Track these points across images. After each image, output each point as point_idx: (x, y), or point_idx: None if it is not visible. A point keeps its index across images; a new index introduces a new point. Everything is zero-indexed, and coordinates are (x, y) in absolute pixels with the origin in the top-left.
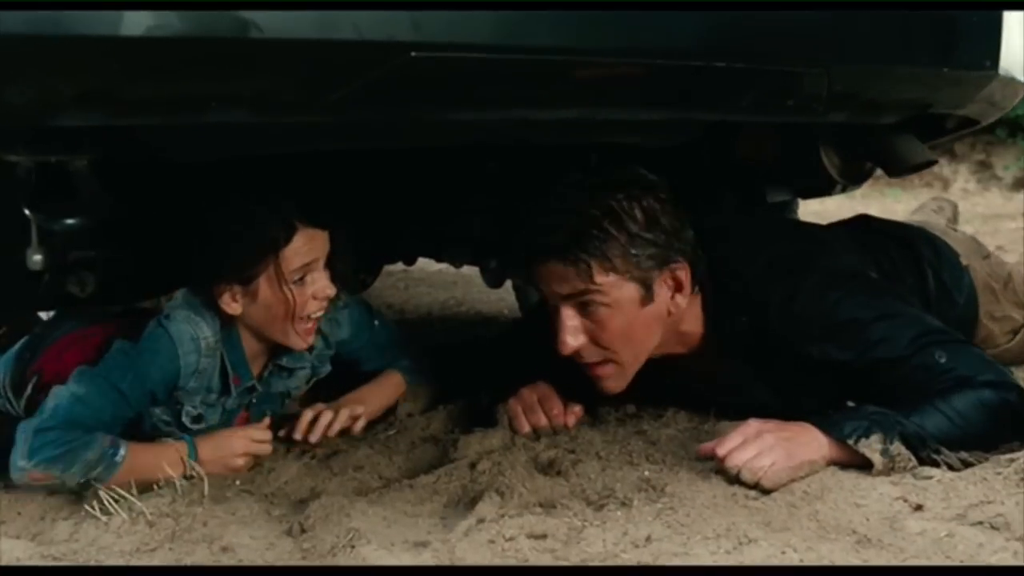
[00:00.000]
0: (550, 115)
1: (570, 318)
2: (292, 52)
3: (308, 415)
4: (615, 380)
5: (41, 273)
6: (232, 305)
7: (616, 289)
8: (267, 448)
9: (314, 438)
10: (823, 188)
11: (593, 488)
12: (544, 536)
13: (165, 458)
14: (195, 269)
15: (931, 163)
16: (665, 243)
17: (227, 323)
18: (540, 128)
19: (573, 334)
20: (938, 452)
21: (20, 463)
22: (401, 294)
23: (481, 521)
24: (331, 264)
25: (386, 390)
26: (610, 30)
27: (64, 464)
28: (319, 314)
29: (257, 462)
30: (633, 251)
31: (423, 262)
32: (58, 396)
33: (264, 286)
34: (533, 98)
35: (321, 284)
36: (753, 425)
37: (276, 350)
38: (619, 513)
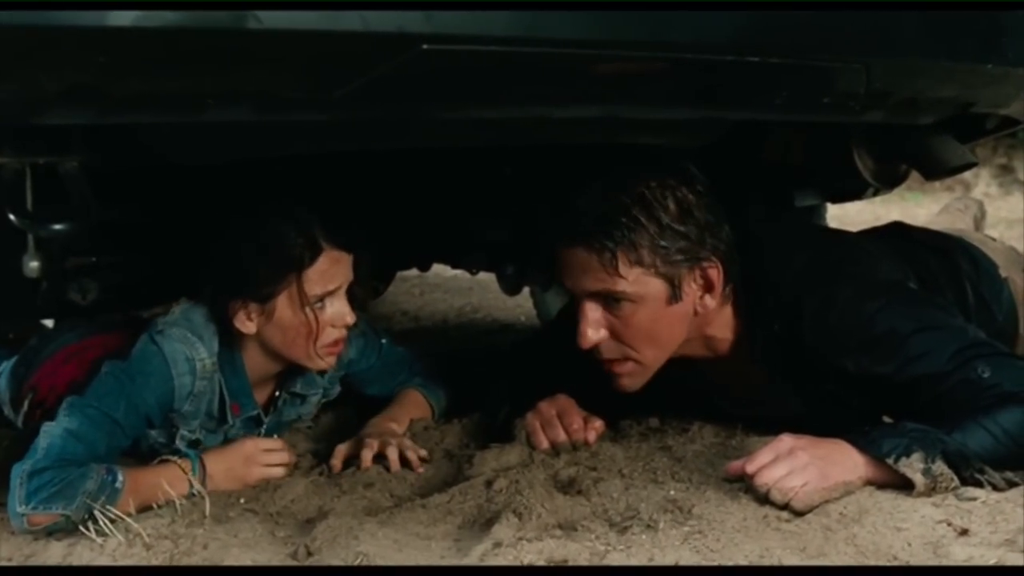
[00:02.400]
0: (569, 113)
1: (592, 311)
2: (294, 45)
3: (370, 454)
4: (633, 378)
5: (39, 280)
6: (247, 324)
7: (641, 284)
8: (284, 457)
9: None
10: (855, 191)
11: (616, 509)
12: (565, 562)
13: (166, 477)
14: (207, 281)
15: (971, 165)
16: (697, 238)
17: (231, 344)
18: (558, 128)
19: (594, 327)
20: (982, 472)
21: (19, 509)
22: (416, 300)
23: (498, 545)
24: (352, 291)
25: (411, 410)
26: (633, 22)
27: (64, 500)
28: (339, 336)
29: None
30: (662, 243)
31: (439, 268)
32: (50, 434)
33: (282, 306)
34: (552, 95)
35: (342, 311)
36: (786, 441)
37: (287, 377)
38: (644, 536)
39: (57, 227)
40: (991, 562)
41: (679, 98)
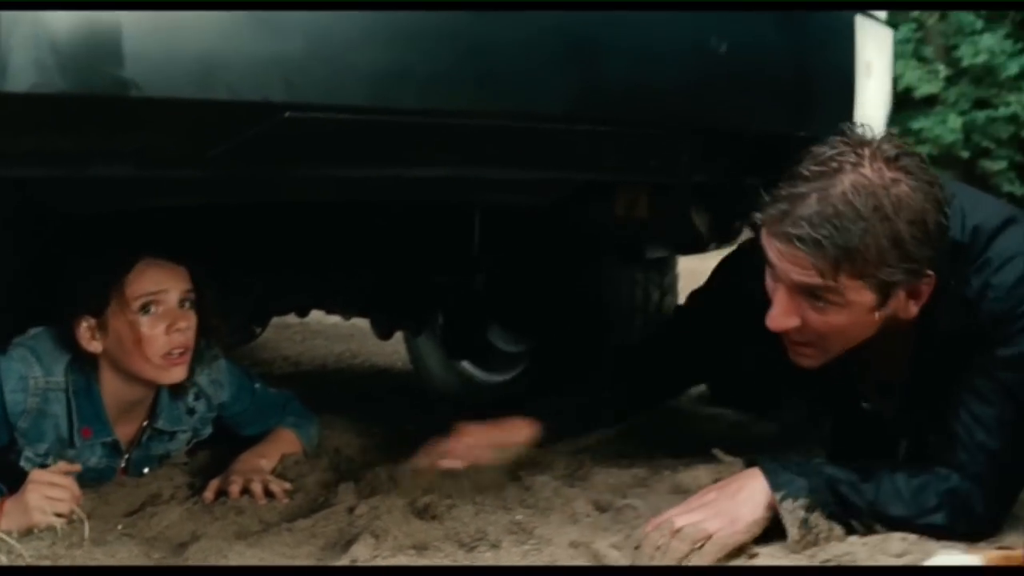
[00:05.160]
0: (420, 173)
1: (791, 299)
2: (172, 111)
3: (237, 488)
4: (811, 360)
5: None
6: (92, 343)
7: (854, 292)
8: (64, 507)
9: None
10: (697, 245)
11: (467, 532)
12: None
13: None
14: (52, 306)
15: None
16: (924, 256)
17: (85, 368)
18: (412, 186)
19: (787, 315)
20: (871, 530)
21: None
22: (297, 346)
23: (354, 562)
24: (201, 311)
25: (282, 446)
26: (476, 93)
27: None
28: (175, 347)
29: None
30: (889, 262)
31: (320, 315)
32: None
33: (114, 318)
34: (403, 157)
35: (170, 318)
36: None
37: (152, 411)
38: (488, 555)
39: None
40: None
41: (517, 161)
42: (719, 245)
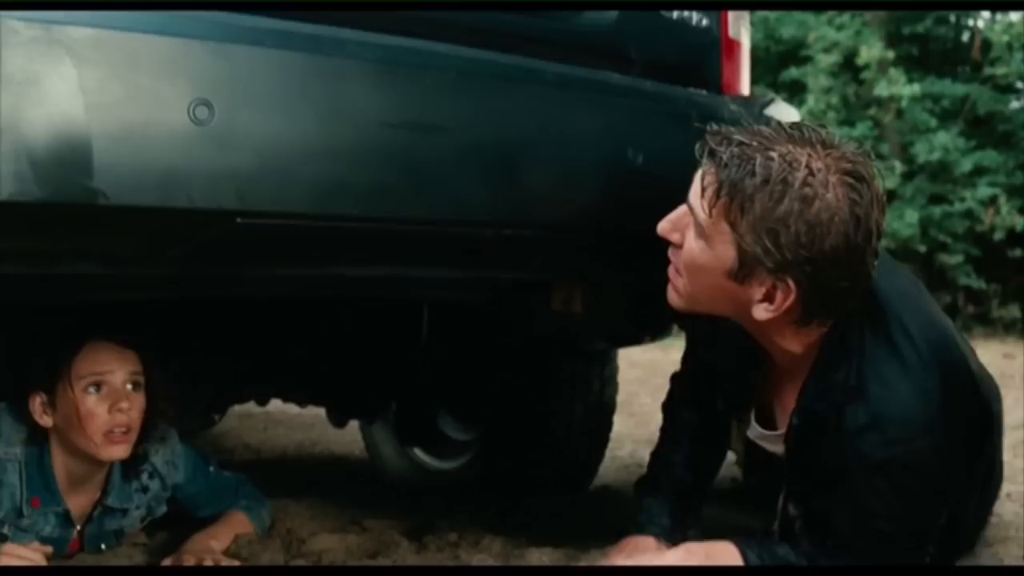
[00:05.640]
0: (362, 272)
1: (683, 216)
2: (135, 217)
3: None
4: (674, 294)
5: None
6: (44, 417)
7: (719, 239)
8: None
9: None
10: (632, 338)
11: None
12: None
13: None
14: (9, 382)
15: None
16: (796, 261)
17: (38, 441)
18: (355, 283)
19: (672, 224)
20: None
21: None
22: (259, 435)
23: None
24: (151, 394)
25: (235, 527)
26: (408, 202)
27: None
28: (117, 425)
29: None
30: (761, 237)
31: (284, 405)
32: None
33: (63, 394)
34: (345, 258)
35: (113, 397)
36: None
37: (105, 487)
38: None
39: None
40: None
41: (451, 261)
42: (654, 338)
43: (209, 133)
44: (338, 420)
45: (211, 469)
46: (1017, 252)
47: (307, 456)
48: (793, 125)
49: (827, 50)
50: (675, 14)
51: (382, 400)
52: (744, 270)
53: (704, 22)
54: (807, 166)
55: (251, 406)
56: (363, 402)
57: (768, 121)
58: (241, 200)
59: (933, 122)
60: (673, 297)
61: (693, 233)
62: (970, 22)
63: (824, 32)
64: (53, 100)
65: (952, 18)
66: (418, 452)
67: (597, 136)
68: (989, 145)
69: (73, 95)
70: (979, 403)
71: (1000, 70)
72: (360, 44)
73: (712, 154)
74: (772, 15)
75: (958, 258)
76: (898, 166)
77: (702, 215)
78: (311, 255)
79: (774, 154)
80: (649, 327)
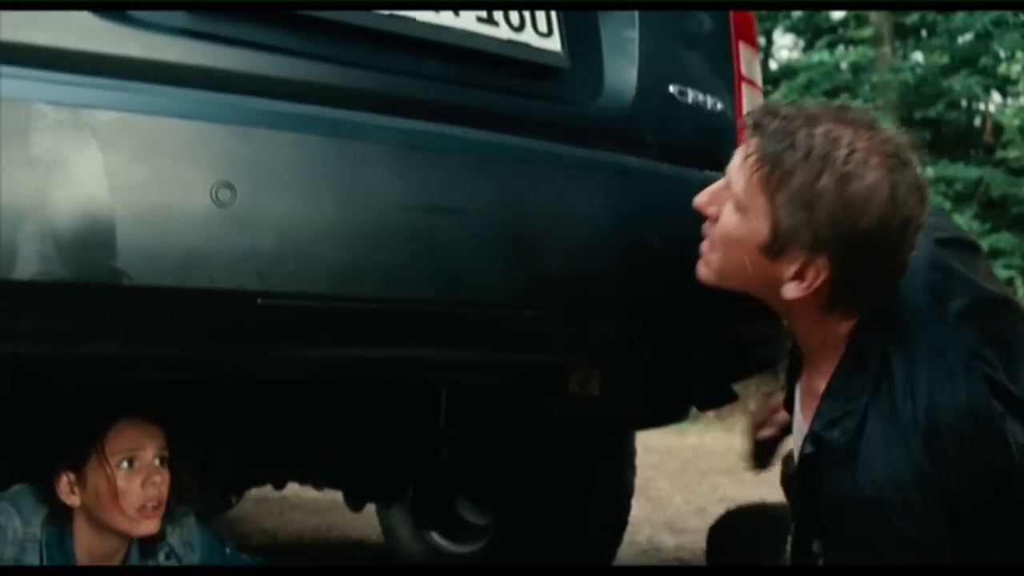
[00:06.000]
0: (381, 354)
1: (722, 190)
2: (157, 297)
3: None
4: (705, 268)
5: None
6: (71, 497)
7: (755, 211)
8: None
9: None
10: (649, 421)
11: None
12: None
13: None
14: (35, 462)
15: (734, 398)
16: (829, 238)
17: (60, 522)
18: (375, 365)
19: (710, 196)
20: None
21: None
22: (276, 519)
23: None
24: (174, 471)
25: None
26: (426, 284)
27: None
28: (149, 500)
29: None
30: (796, 210)
31: (301, 489)
32: None
33: (93, 472)
34: (365, 339)
35: (148, 472)
36: None
37: (122, 566)
38: None
39: None
40: None
41: (468, 342)
42: (671, 421)
43: (231, 215)
44: (355, 504)
45: (227, 551)
46: None
47: (323, 541)
48: (840, 106)
49: None
50: (690, 98)
51: (399, 484)
52: (777, 245)
53: (719, 106)
54: (849, 144)
55: (268, 490)
56: (380, 485)
57: None
58: (262, 281)
59: (948, 205)
60: (704, 271)
61: (730, 206)
62: (981, 106)
63: None
64: (79, 182)
65: (964, 103)
66: (435, 536)
67: (614, 218)
68: (1004, 227)
69: (98, 177)
70: (998, 460)
71: (1012, 153)
72: (380, 128)
73: (757, 126)
74: (784, 101)
75: None
76: None
77: (741, 185)
78: (330, 336)
79: (818, 130)
80: (666, 410)
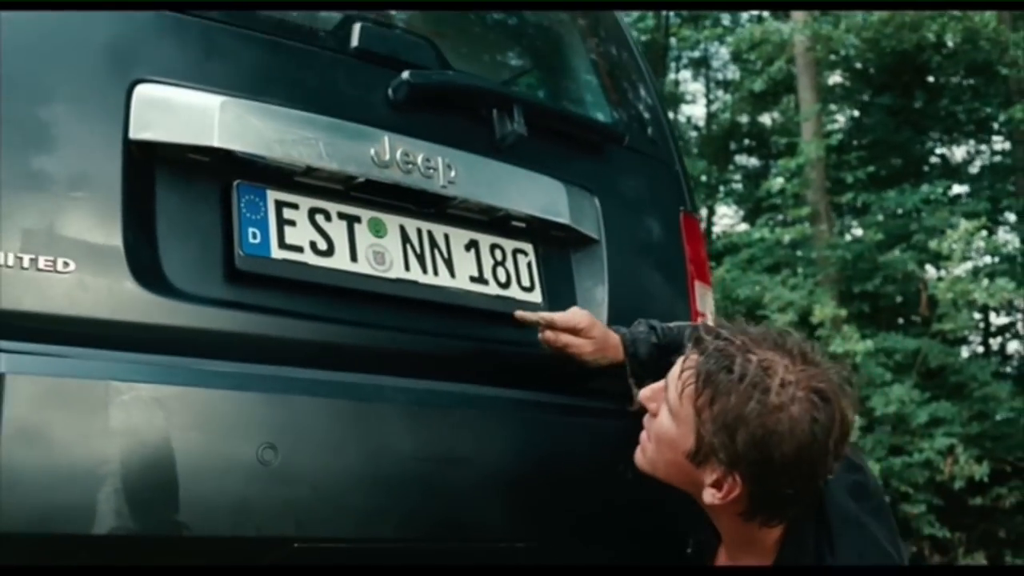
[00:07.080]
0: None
1: (661, 390)
2: (207, 545)
3: None
4: (640, 457)
5: None
6: None
7: (682, 420)
8: None
9: None
10: None
11: None
12: None
13: None
14: None
15: None
16: (748, 460)
17: None
18: None
19: (652, 393)
20: None
21: None
22: None
23: None
24: None
25: None
26: (438, 527)
27: None
28: None
29: None
30: (718, 432)
31: None
32: None
33: None
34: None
35: None
36: None
37: None
38: None
39: None
40: None
41: None
42: None
43: (274, 472)
44: None
45: None
46: (978, 500)
47: None
48: (781, 332)
49: (782, 309)
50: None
51: None
52: (700, 455)
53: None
54: (781, 376)
55: None
56: None
57: None
58: (299, 528)
59: (888, 376)
60: (639, 459)
61: (666, 408)
62: (916, 280)
63: (779, 292)
64: (147, 448)
65: (899, 276)
66: None
67: (598, 456)
68: (943, 396)
69: (164, 443)
70: None
71: (947, 325)
72: (395, 389)
73: (698, 342)
74: (727, 276)
75: (920, 508)
76: (857, 419)
77: (674, 395)
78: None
79: (753, 357)
80: None
